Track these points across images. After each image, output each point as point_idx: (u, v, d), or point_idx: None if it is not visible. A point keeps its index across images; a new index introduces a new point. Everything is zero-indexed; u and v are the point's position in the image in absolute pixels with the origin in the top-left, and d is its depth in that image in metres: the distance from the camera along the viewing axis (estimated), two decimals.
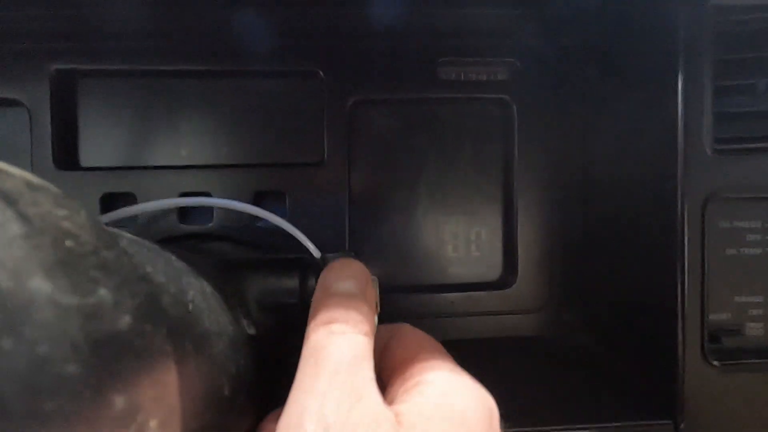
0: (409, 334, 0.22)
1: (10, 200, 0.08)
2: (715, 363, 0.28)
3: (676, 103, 0.28)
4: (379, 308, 0.27)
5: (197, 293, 0.17)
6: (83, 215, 0.10)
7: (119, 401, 0.09)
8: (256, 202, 0.37)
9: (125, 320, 0.10)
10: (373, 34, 0.38)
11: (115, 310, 0.09)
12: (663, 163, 0.29)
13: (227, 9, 0.34)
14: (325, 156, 0.37)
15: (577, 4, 0.37)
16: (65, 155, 0.36)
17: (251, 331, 0.21)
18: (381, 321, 0.30)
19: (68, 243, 0.09)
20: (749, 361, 0.28)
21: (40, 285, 0.07)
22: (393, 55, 0.38)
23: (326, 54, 0.37)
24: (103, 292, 0.09)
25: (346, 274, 0.21)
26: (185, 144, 0.37)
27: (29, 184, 0.09)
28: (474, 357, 0.38)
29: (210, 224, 0.37)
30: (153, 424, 0.10)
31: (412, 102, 0.39)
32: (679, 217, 0.28)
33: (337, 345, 0.17)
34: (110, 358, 0.09)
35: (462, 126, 0.40)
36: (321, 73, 0.37)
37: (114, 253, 0.10)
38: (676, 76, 0.28)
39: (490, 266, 0.41)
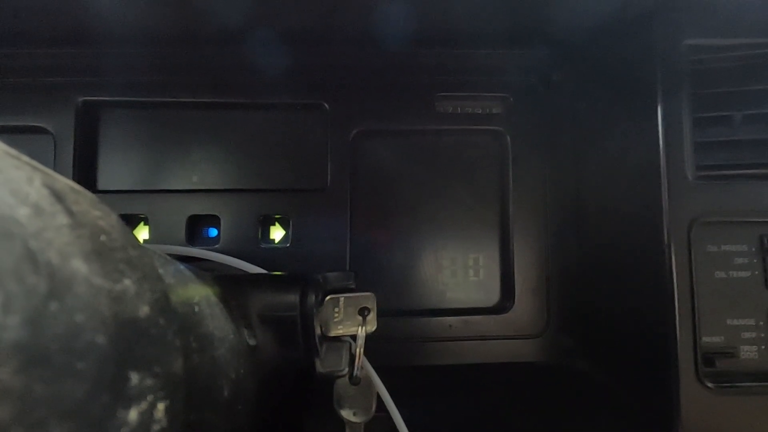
0: None
1: (59, 197, 0.09)
2: (710, 385, 0.28)
3: (657, 133, 0.30)
4: (375, 325, 0.28)
5: (202, 299, 0.18)
6: (114, 218, 0.12)
7: (135, 378, 0.10)
8: (262, 225, 0.39)
9: (144, 310, 0.11)
10: (375, 69, 0.41)
11: (137, 300, 0.11)
12: (648, 190, 0.30)
13: (238, 46, 0.37)
14: (329, 183, 0.39)
15: (564, 44, 0.40)
16: (84, 179, 0.38)
17: (252, 342, 0.22)
18: (378, 344, 0.30)
19: (102, 237, 0.10)
20: (744, 384, 0.29)
21: (79, 266, 0.09)
22: (393, 89, 0.41)
23: (331, 88, 0.40)
24: (128, 283, 0.11)
25: None
26: (197, 170, 0.40)
27: (72, 188, 0.11)
28: (476, 381, 0.38)
29: (217, 245, 0.38)
30: (161, 406, 0.11)
31: (411, 133, 0.42)
32: (666, 241, 0.29)
33: None
34: (131, 339, 0.10)
35: (459, 156, 0.42)
36: (326, 105, 0.40)
37: (138, 252, 0.12)
38: (656, 109, 0.30)
39: (488, 291, 0.42)
